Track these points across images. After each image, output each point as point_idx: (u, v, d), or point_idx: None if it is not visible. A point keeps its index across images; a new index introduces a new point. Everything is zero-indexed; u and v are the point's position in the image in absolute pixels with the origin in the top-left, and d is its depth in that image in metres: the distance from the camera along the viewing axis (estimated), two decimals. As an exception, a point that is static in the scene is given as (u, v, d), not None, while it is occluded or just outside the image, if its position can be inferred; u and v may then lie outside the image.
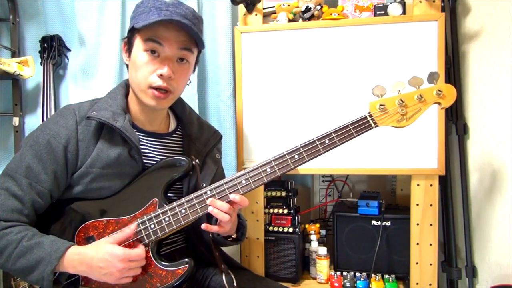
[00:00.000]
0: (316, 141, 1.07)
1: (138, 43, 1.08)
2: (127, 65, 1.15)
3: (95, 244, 1.03)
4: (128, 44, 1.12)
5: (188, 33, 1.08)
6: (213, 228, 1.07)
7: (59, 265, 0.98)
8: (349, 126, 1.07)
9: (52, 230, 1.07)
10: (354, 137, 1.07)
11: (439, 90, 1.08)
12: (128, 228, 1.04)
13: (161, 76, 1.07)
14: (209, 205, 1.05)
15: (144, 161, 1.14)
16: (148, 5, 1.07)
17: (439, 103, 1.10)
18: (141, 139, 1.14)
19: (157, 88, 1.08)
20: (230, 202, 1.06)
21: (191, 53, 1.11)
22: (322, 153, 1.07)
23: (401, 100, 1.07)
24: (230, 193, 1.06)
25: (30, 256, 0.97)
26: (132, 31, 1.09)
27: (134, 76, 1.10)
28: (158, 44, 1.06)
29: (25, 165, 1.03)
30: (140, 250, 1.02)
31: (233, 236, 1.21)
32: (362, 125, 1.07)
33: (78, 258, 0.99)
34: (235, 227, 1.18)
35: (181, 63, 1.11)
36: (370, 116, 1.08)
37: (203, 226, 1.06)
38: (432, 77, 1.08)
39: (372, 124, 1.08)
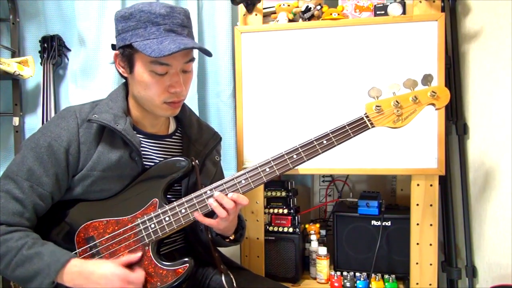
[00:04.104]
0: (314, 141, 1.08)
1: (141, 63, 1.05)
2: (123, 76, 1.14)
3: (96, 260, 1.04)
4: (127, 60, 1.08)
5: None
6: (206, 221, 1.07)
7: (58, 277, 0.97)
8: (346, 126, 1.09)
9: (52, 231, 1.07)
10: (351, 137, 1.09)
11: (433, 92, 1.10)
12: (135, 255, 1.04)
13: (175, 92, 1.07)
14: (214, 199, 1.05)
15: (144, 162, 1.14)
16: (141, 19, 1.03)
17: (433, 104, 1.12)
18: (141, 141, 1.14)
19: (171, 102, 1.09)
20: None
21: (193, 61, 1.12)
22: (320, 153, 1.08)
23: (397, 102, 1.09)
24: (229, 193, 1.06)
25: (29, 266, 0.96)
26: (131, 48, 1.05)
27: (143, 93, 1.08)
28: (166, 65, 1.05)
29: (26, 167, 1.03)
30: (140, 275, 1.01)
31: (230, 237, 1.21)
32: (359, 126, 1.09)
33: (77, 270, 0.98)
34: (233, 228, 1.18)
35: (186, 72, 1.11)
36: (367, 117, 1.10)
37: (196, 214, 1.06)
38: (426, 79, 1.10)
39: (369, 125, 1.09)
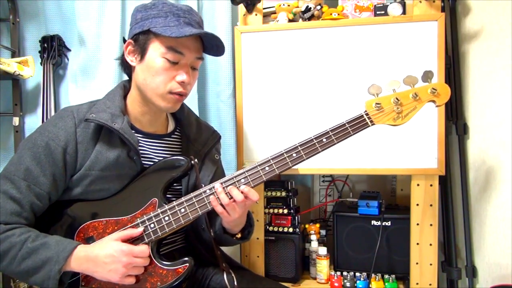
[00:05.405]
0: (314, 140, 1.08)
1: (156, 48, 1.08)
2: (130, 66, 1.14)
3: (99, 241, 1.05)
4: (140, 46, 1.10)
5: (202, 42, 1.13)
6: (218, 208, 1.07)
7: (66, 265, 0.98)
8: (346, 124, 1.09)
9: (51, 231, 1.07)
10: (351, 135, 1.09)
11: (434, 89, 1.10)
12: (135, 229, 1.05)
13: (182, 82, 1.09)
14: (226, 192, 1.06)
15: (143, 162, 1.14)
16: (163, 9, 1.08)
17: (433, 101, 1.12)
18: (139, 140, 1.14)
19: (176, 93, 1.11)
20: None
21: (202, 60, 1.15)
22: (319, 151, 1.08)
23: (397, 99, 1.09)
24: (241, 186, 1.06)
25: (36, 257, 0.97)
26: (147, 34, 1.09)
27: (150, 80, 1.09)
28: (180, 54, 1.08)
29: (23, 167, 1.03)
30: (144, 248, 1.03)
31: (237, 236, 1.21)
32: (358, 124, 1.09)
33: (84, 255, 1.00)
34: (242, 225, 1.19)
35: (194, 69, 1.15)
36: (367, 114, 1.10)
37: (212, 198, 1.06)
38: (427, 76, 1.10)
39: (369, 123, 1.09)
